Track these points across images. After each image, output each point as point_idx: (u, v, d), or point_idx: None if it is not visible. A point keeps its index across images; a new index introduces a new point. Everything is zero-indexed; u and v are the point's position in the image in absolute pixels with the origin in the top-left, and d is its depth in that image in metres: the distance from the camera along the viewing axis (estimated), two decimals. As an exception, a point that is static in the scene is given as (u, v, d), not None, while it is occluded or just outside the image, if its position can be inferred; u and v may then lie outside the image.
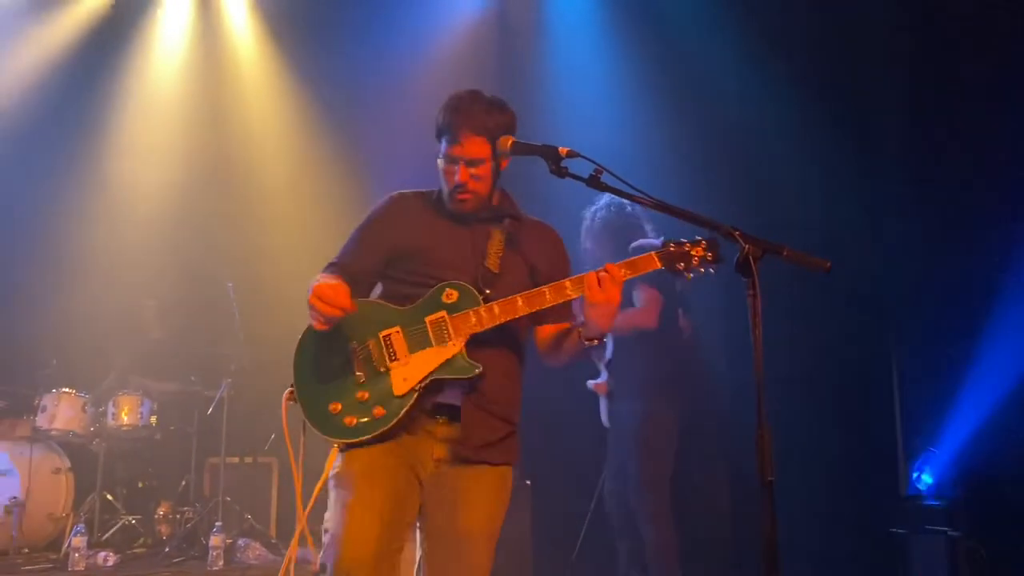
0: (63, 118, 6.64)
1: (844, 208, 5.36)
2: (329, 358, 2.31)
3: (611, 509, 4.67)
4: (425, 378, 2.27)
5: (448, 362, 2.28)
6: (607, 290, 2.24)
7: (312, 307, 2.21)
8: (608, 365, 4.49)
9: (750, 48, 5.61)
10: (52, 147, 6.63)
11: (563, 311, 2.42)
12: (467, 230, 2.45)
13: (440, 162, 2.44)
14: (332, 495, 2.29)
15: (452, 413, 2.33)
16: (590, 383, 4.66)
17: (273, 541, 5.57)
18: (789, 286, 4.05)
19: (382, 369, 2.28)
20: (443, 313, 2.30)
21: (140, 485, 5.96)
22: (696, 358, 4.83)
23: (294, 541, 2.42)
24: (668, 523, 4.36)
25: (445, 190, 2.45)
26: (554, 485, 5.95)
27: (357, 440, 2.25)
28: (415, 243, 2.42)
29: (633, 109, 5.99)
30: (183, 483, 5.98)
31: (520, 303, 2.30)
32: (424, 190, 2.56)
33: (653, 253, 2.34)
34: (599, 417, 5.00)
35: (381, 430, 2.24)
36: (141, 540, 5.62)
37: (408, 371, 2.27)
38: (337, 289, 2.22)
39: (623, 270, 2.29)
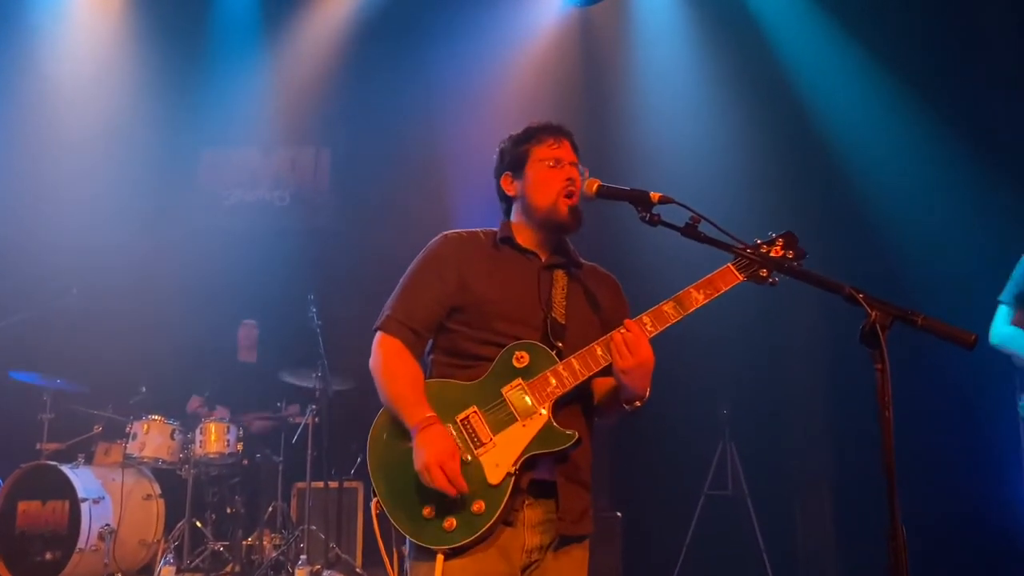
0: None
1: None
2: (408, 456, 2.02)
3: None
4: (518, 459, 2.00)
5: (539, 435, 2.01)
6: (636, 352, 2.00)
7: (432, 477, 1.94)
8: None
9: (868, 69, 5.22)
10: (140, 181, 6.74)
11: None
12: (530, 276, 2.21)
13: (536, 170, 2.24)
14: None
15: (537, 492, 2.09)
16: None
17: (358, 571, 5.47)
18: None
19: (468, 458, 2.00)
20: (519, 381, 2.05)
21: (228, 511, 5.92)
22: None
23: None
24: None
25: (549, 199, 2.20)
26: (646, 515, 5.70)
27: (462, 544, 1.97)
28: (478, 294, 2.15)
29: (727, 128, 5.67)
30: (270, 509, 5.94)
31: (599, 352, 2.07)
32: (474, 230, 2.31)
33: (730, 265, 2.09)
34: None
35: (485, 527, 1.96)
36: (229, 567, 5.60)
37: (498, 455, 2.00)
38: (456, 463, 1.97)
39: (651, 320, 2.06)
